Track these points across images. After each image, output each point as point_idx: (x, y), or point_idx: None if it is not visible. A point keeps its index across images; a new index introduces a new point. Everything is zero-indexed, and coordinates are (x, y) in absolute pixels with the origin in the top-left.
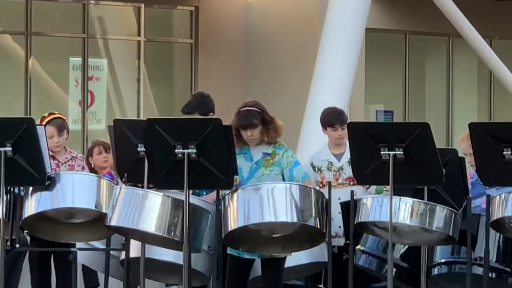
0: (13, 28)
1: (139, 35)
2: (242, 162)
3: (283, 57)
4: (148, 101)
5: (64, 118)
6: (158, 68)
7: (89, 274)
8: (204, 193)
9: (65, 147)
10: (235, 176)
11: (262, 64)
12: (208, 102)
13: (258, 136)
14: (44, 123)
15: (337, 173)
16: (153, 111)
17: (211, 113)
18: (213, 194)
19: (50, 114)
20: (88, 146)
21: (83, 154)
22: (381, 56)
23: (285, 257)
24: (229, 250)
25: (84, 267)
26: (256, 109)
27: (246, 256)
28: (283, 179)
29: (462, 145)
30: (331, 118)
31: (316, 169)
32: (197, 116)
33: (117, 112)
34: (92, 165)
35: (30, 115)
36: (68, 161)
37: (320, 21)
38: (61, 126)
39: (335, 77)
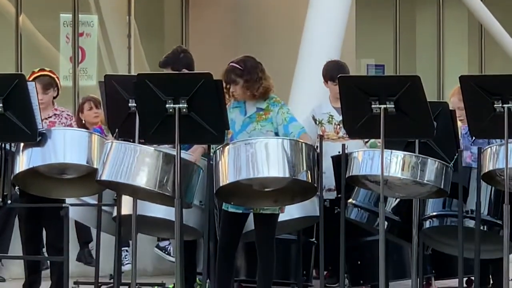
0: None
1: None
2: (236, 116)
3: (274, 13)
4: (139, 57)
5: (54, 75)
6: (148, 23)
7: (82, 230)
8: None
9: (53, 103)
10: (229, 129)
11: (253, 20)
12: (183, 58)
13: (239, 92)
14: (31, 79)
15: (338, 126)
16: (144, 67)
17: (184, 69)
18: (194, 148)
19: (40, 70)
20: (79, 102)
21: (74, 109)
22: (372, 9)
23: (278, 213)
24: (223, 206)
25: (77, 223)
26: (238, 66)
27: (230, 209)
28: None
29: (452, 99)
30: (334, 72)
31: (317, 122)
32: (169, 71)
33: (108, 68)
34: (83, 121)
35: (21, 71)
36: (49, 117)
37: None
38: (46, 84)
39: (326, 31)
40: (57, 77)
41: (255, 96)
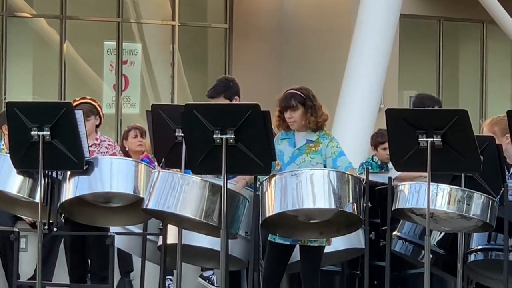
0: (48, 12)
1: (173, 19)
2: (285, 147)
3: (317, 43)
4: (182, 86)
5: (95, 103)
6: (192, 52)
7: (124, 259)
8: None
9: (96, 132)
10: (277, 161)
11: (296, 50)
12: (233, 86)
13: (298, 119)
14: None
15: None
16: (187, 96)
17: (236, 97)
18: (238, 178)
19: (81, 99)
20: (122, 130)
21: (117, 138)
22: (415, 42)
23: (324, 245)
24: (270, 237)
25: (119, 252)
26: (298, 92)
27: (278, 240)
28: None
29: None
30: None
31: None
32: (222, 99)
33: (151, 97)
34: (126, 148)
35: (64, 99)
36: (89, 146)
37: (354, 7)
38: (87, 111)
39: (369, 63)
40: (98, 105)
41: (315, 124)
